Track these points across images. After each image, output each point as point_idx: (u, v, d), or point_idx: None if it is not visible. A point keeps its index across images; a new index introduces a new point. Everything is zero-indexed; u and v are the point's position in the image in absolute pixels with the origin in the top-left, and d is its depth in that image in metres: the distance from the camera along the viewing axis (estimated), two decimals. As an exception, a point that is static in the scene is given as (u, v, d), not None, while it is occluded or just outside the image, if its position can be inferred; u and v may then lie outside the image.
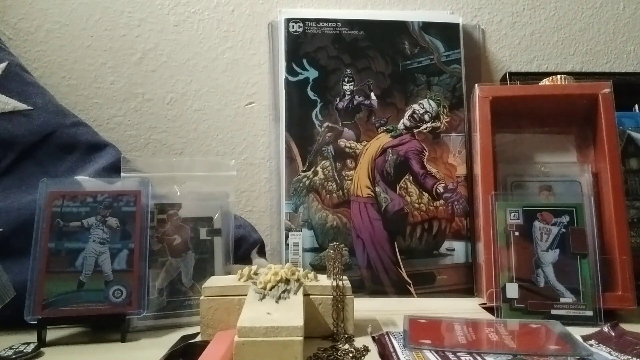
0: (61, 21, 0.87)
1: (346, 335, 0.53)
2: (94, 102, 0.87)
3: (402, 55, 0.85)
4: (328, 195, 0.81)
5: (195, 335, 0.54)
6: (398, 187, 0.81)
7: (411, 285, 0.79)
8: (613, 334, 0.54)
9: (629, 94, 0.81)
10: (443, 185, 0.81)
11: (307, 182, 0.81)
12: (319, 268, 0.76)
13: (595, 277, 0.62)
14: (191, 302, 0.60)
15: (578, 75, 0.78)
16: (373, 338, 0.53)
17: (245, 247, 0.74)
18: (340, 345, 0.51)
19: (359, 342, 0.52)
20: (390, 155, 0.82)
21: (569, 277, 0.62)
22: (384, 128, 0.83)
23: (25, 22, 0.86)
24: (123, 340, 0.54)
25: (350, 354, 0.48)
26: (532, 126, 0.76)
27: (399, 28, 0.85)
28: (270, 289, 0.52)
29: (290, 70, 0.84)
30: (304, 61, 0.84)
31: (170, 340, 0.53)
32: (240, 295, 0.53)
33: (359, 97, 0.83)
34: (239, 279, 0.56)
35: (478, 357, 0.46)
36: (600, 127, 0.69)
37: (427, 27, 0.86)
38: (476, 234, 0.74)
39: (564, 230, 0.63)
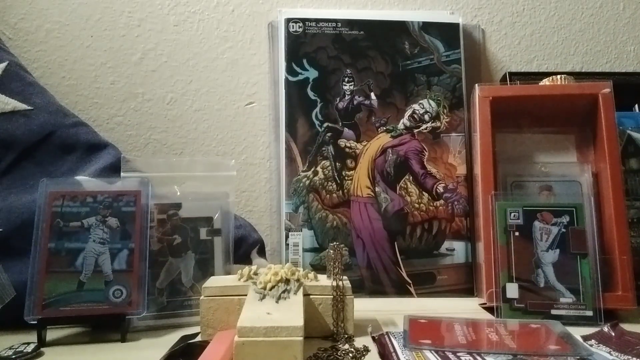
0: (61, 21, 0.87)
1: (346, 335, 0.53)
2: (94, 102, 0.87)
3: (402, 55, 0.85)
4: (328, 195, 0.81)
5: (195, 335, 0.54)
6: (398, 187, 0.81)
7: (411, 285, 0.79)
8: (613, 334, 0.54)
9: (629, 94, 0.81)
10: (443, 185, 0.81)
11: (307, 182, 0.81)
12: (319, 268, 0.76)
13: (595, 277, 0.62)
14: (191, 302, 0.60)
15: (578, 75, 0.78)
16: (373, 338, 0.53)
17: (245, 247, 0.74)
18: (340, 345, 0.51)
19: (359, 342, 0.52)
20: (390, 155, 0.82)
21: (569, 277, 0.62)
22: (384, 128, 0.83)
23: (25, 22, 0.86)
24: (123, 340, 0.54)
25: (350, 354, 0.48)
26: (532, 126, 0.76)
27: (399, 28, 0.85)
28: (270, 289, 0.52)
29: (290, 70, 0.84)
30: (304, 61, 0.84)
31: (170, 340, 0.53)
32: (240, 295, 0.53)
33: (359, 97, 0.83)
34: (239, 279, 0.56)
35: (478, 357, 0.46)
36: (600, 127, 0.69)
37: (427, 27, 0.86)
38: (476, 234, 0.74)
39: (564, 230, 0.63)
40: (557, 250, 0.63)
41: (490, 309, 0.65)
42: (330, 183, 0.81)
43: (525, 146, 0.76)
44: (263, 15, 0.91)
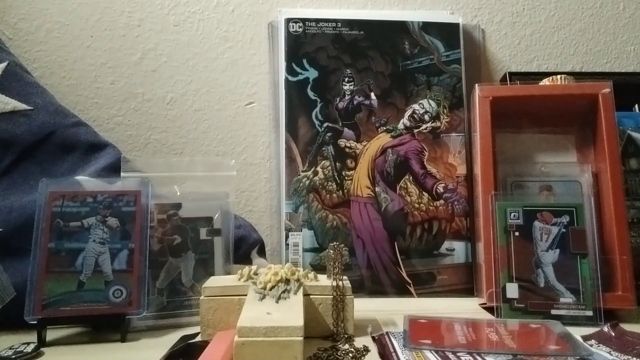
0: (61, 21, 0.87)
1: (346, 335, 0.53)
2: (94, 102, 0.87)
3: (402, 55, 0.85)
4: (328, 195, 0.81)
5: (195, 335, 0.54)
6: (398, 187, 0.81)
7: (411, 285, 0.79)
8: (613, 334, 0.54)
9: (629, 94, 0.81)
10: (443, 185, 0.81)
11: (307, 182, 0.81)
12: (319, 268, 0.76)
13: (595, 277, 0.62)
14: (191, 302, 0.60)
15: (578, 75, 0.78)
16: (373, 338, 0.53)
17: (245, 247, 0.74)
18: (340, 345, 0.51)
19: (359, 342, 0.52)
20: (390, 155, 0.82)
21: (569, 277, 0.62)
22: (384, 128, 0.83)
23: (25, 22, 0.86)
24: (123, 340, 0.54)
25: (350, 354, 0.48)
26: (532, 126, 0.76)
27: (399, 28, 0.85)
28: (270, 289, 0.52)
29: (290, 70, 0.84)
30: (304, 61, 0.84)
31: (170, 340, 0.53)
32: (240, 295, 0.53)
33: (359, 97, 0.83)
34: (239, 279, 0.56)
35: (478, 357, 0.46)
36: (600, 127, 0.69)
37: (427, 27, 0.86)
38: (476, 234, 0.74)
39: (564, 230, 0.63)
40: (557, 250, 0.63)
41: (490, 309, 0.65)
42: (330, 183, 0.81)
43: (525, 146, 0.76)
44: (263, 15, 0.91)
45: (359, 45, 0.85)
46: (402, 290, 0.78)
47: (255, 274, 0.56)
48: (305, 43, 0.84)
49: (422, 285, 0.79)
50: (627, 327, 0.56)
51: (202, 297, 0.54)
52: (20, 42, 0.86)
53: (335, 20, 0.85)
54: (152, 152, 0.88)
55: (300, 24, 0.85)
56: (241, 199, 0.88)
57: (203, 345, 0.48)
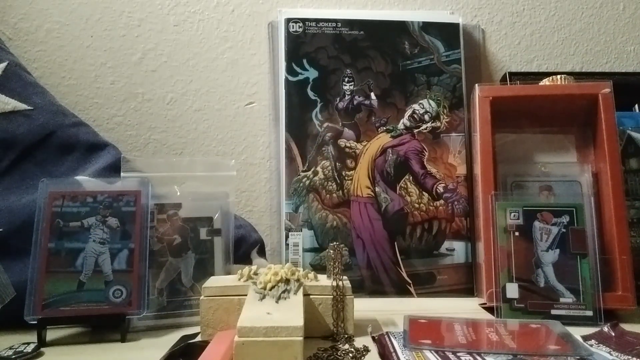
0: (61, 21, 0.87)
1: (346, 335, 0.54)
2: (94, 102, 0.87)
3: (402, 55, 0.85)
4: (328, 195, 0.81)
5: (195, 335, 0.54)
6: (398, 187, 0.81)
7: (411, 285, 0.79)
8: (613, 334, 0.54)
9: (629, 94, 0.81)
10: (443, 185, 0.81)
11: (307, 182, 0.81)
12: (319, 268, 0.76)
13: (595, 277, 0.62)
14: (191, 302, 0.60)
15: (578, 75, 0.78)
16: (373, 338, 0.53)
17: (245, 247, 0.74)
18: (340, 345, 0.51)
19: (359, 342, 0.52)
20: (390, 155, 0.82)
21: (569, 277, 0.62)
22: (384, 128, 0.83)
23: (25, 22, 0.86)
24: (123, 340, 0.54)
25: (350, 354, 0.48)
26: (532, 126, 0.76)
27: (399, 28, 0.85)
28: (270, 289, 0.52)
29: (290, 70, 0.84)
30: (304, 61, 0.84)
31: (170, 340, 0.53)
32: (240, 295, 0.53)
33: (359, 97, 0.83)
34: (239, 279, 0.56)
35: (478, 357, 0.46)
36: (600, 127, 0.70)
37: (427, 27, 0.86)
38: (476, 234, 0.74)
39: (564, 230, 0.63)
40: (557, 250, 0.63)
41: (490, 309, 0.65)
42: (330, 183, 0.81)
43: (525, 146, 0.76)
44: (263, 15, 0.91)
45: (359, 45, 0.85)
46: (402, 290, 0.78)
47: (255, 274, 0.56)
48: (305, 43, 0.84)
49: (422, 285, 0.79)
50: (627, 327, 0.56)
51: (202, 297, 0.54)
52: (20, 42, 0.86)
53: (335, 20, 0.85)
54: (152, 152, 0.88)
55: (300, 24, 0.85)
56: (241, 199, 0.88)
57: (203, 345, 0.48)
